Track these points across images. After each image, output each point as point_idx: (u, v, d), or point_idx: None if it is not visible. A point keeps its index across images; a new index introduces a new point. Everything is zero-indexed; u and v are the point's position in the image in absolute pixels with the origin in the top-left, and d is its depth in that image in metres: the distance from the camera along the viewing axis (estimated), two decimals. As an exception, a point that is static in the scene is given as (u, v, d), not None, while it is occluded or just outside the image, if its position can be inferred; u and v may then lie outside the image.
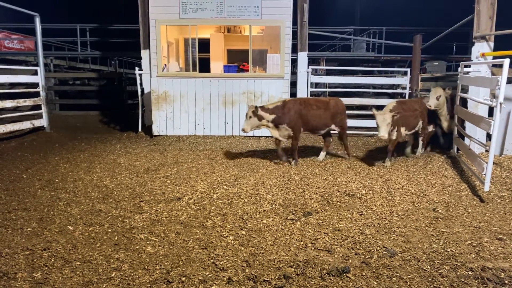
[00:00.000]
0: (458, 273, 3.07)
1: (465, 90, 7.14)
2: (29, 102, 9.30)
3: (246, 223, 4.09)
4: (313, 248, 3.53)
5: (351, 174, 6.04)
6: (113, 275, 3.06)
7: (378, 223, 4.09)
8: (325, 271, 3.09)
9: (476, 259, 3.30)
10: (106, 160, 6.91)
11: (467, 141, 6.64)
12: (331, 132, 7.04)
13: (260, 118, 6.31)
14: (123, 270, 3.13)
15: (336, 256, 3.37)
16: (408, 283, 2.93)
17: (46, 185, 5.42)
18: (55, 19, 15.17)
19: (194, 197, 4.94)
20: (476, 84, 6.40)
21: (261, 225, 4.05)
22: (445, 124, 7.18)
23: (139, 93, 10.07)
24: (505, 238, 3.71)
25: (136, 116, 10.52)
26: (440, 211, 4.46)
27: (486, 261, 3.26)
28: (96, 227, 3.99)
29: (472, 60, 6.97)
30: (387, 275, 3.05)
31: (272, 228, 3.98)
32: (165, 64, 9.97)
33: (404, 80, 9.81)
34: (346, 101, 9.33)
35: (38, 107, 9.56)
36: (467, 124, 6.83)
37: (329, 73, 13.63)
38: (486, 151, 6.41)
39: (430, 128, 7.32)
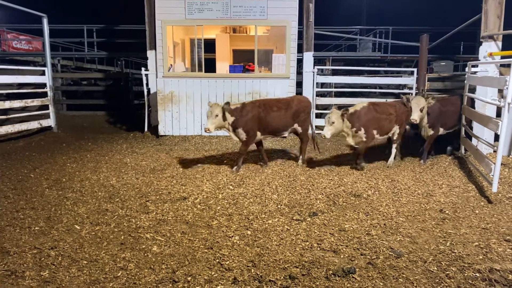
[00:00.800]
0: (465, 274, 3.04)
1: (472, 90, 7.07)
2: (36, 102, 9.40)
3: (252, 223, 4.09)
4: (318, 249, 3.52)
5: (357, 174, 6.01)
6: (119, 274, 3.08)
7: (384, 224, 4.07)
8: (330, 271, 3.09)
9: (483, 261, 3.26)
10: (112, 160, 6.96)
11: (474, 141, 6.58)
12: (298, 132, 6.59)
13: (225, 119, 5.89)
14: (129, 269, 3.14)
15: (342, 256, 3.36)
16: (415, 285, 2.91)
17: (53, 185, 5.47)
18: (62, 20, 15.30)
19: (200, 197, 4.95)
20: (483, 84, 6.34)
21: (266, 225, 4.05)
22: (423, 133, 6.81)
23: (145, 93, 10.13)
24: (513, 239, 3.67)
25: (142, 116, 10.57)
26: (447, 212, 4.43)
27: (493, 263, 3.22)
28: (102, 227, 4.01)
29: (479, 60, 6.90)
30: (393, 276, 3.03)
31: (277, 228, 3.97)
32: (171, 65, 10.01)
33: (411, 80, 9.75)
34: (352, 101, 9.33)
35: (45, 107, 9.66)
36: (475, 125, 6.77)
37: (335, 73, 13.59)
38: (494, 151, 6.36)
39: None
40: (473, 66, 6.83)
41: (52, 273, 3.08)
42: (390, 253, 3.41)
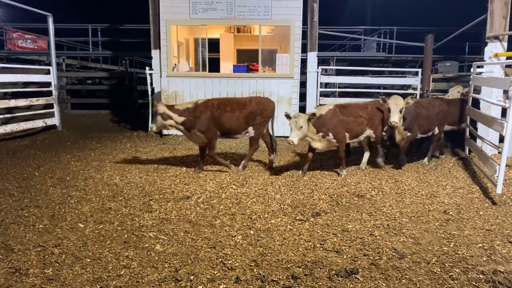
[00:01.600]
0: (469, 276, 3.03)
1: (477, 91, 7.04)
2: (41, 101, 9.45)
3: (255, 223, 4.09)
4: (321, 249, 3.51)
5: (361, 175, 5.99)
6: (122, 272, 3.09)
7: (388, 225, 4.05)
8: (333, 272, 3.08)
9: (487, 262, 3.24)
10: (116, 159, 6.99)
11: (479, 142, 6.54)
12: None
13: (166, 118, 5.72)
14: (132, 268, 3.16)
15: (344, 257, 3.36)
16: (418, 286, 2.90)
17: (57, 183, 5.50)
18: (67, 19, 15.38)
19: (203, 196, 4.96)
20: (489, 84, 6.30)
21: (269, 225, 4.05)
22: (398, 137, 6.28)
23: (149, 92, 10.16)
24: (517, 241, 3.65)
25: (146, 116, 10.60)
26: (451, 213, 4.40)
27: (497, 265, 3.20)
28: (106, 225, 4.03)
29: (485, 61, 6.87)
30: (396, 277, 3.02)
31: (280, 228, 3.97)
32: (175, 64, 10.04)
33: (415, 81, 9.72)
34: (356, 101, 9.30)
35: (50, 106, 9.72)
36: (479, 125, 6.73)
37: (339, 73, 13.56)
38: (499, 152, 6.31)
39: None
40: (478, 66, 6.80)
41: (56, 271, 3.10)
42: (393, 254, 3.40)
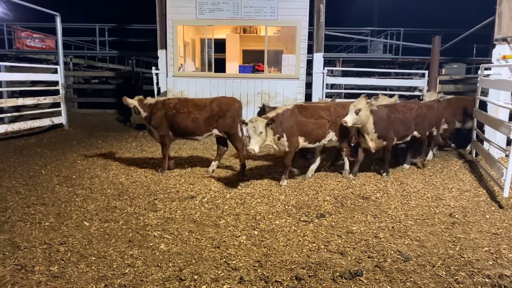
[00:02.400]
0: (475, 280, 3.00)
1: (485, 93, 6.98)
2: (49, 99, 9.54)
3: (259, 223, 4.09)
4: (325, 250, 3.50)
5: (366, 176, 5.97)
6: (127, 271, 3.10)
7: (393, 227, 4.03)
8: (337, 273, 3.07)
9: (493, 266, 3.22)
10: (122, 158, 7.02)
11: (486, 145, 6.49)
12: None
13: (136, 111, 5.92)
14: (136, 267, 3.17)
15: (349, 258, 3.34)
16: (423, 289, 2.88)
17: (64, 181, 5.54)
18: (74, 19, 15.50)
19: (208, 196, 4.97)
20: (496, 87, 6.25)
21: (273, 225, 4.05)
22: (371, 144, 5.70)
23: (156, 92, 10.20)
24: (524, 245, 3.61)
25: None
26: (457, 216, 4.37)
27: (504, 269, 3.17)
28: (111, 224, 4.05)
29: (492, 63, 6.81)
30: (400, 279, 3.00)
31: (284, 229, 3.97)
32: (181, 64, 10.08)
33: (422, 82, 9.66)
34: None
35: (57, 104, 9.80)
36: (487, 128, 6.67)
37: (345, 74, 13.53)
38: (506, 156, 6.26)
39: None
40: (486, 68, 6.75)
41: (61, 268, 3.12)
42: (398, 256, 3.38)
